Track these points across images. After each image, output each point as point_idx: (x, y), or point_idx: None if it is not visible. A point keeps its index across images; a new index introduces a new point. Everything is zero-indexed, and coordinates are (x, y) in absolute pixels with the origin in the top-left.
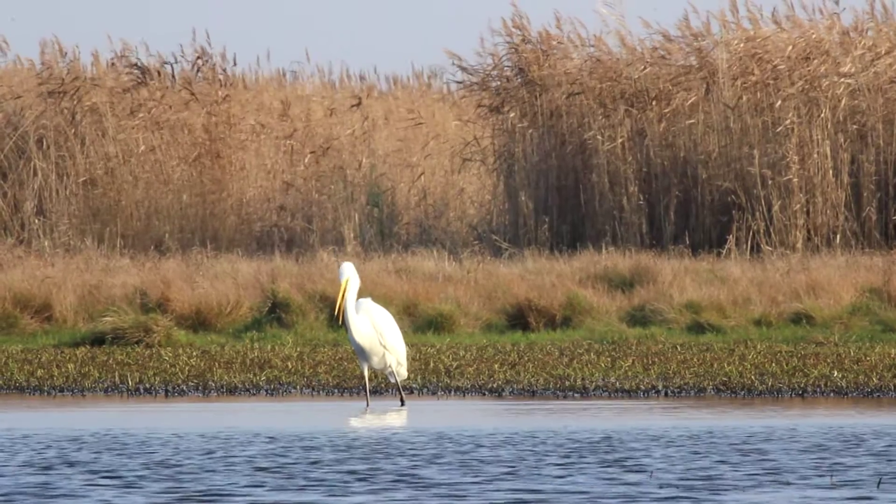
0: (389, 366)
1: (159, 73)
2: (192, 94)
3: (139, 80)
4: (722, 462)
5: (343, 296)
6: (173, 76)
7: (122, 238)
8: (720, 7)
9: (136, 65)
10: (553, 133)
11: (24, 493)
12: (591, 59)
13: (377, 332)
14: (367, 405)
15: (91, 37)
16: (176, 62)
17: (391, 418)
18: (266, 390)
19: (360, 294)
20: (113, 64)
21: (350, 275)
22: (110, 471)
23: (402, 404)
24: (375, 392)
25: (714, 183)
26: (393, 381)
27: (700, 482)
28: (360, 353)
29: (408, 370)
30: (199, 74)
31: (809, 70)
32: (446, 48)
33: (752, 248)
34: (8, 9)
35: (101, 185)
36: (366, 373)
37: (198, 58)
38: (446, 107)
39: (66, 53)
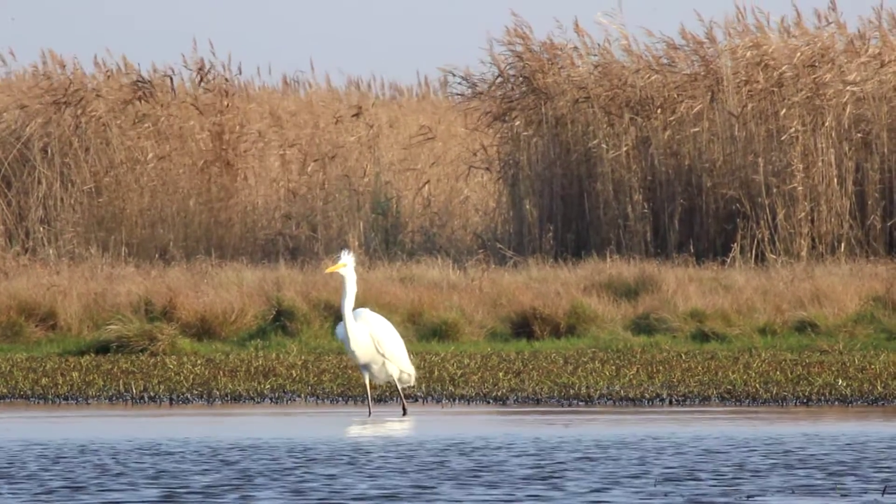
0: (391, 375)
1: (170, 81)
2: (195, 106)
3: (141, 93)
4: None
5: (335, 269)
6: (173, 89)
7: (127, 246)
8: (725, 15)
9: (137, 80)
10: (558, 141)
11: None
12: (596, 66)
13: (374, 340)
14: (370, 414)
15: (92, 46)
16: (175, 74)
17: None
18: (270, 398)
19: (365, 303)
20: (109, 77)
21: (349, 268)
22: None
23: (405, 413)
24: (380, 400)
25: (719, 191)
26: (398, 389)
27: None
28: (358, 361)
29: (415, 379)
30: (202, 85)
31: (814, 78)
32: (447, 61)
33: (756, 256)
34: (9, 9)
35: (106, 193)
36: (367, 381)
37: (199, 69)
38: (452, 115)
39: (65, 64)
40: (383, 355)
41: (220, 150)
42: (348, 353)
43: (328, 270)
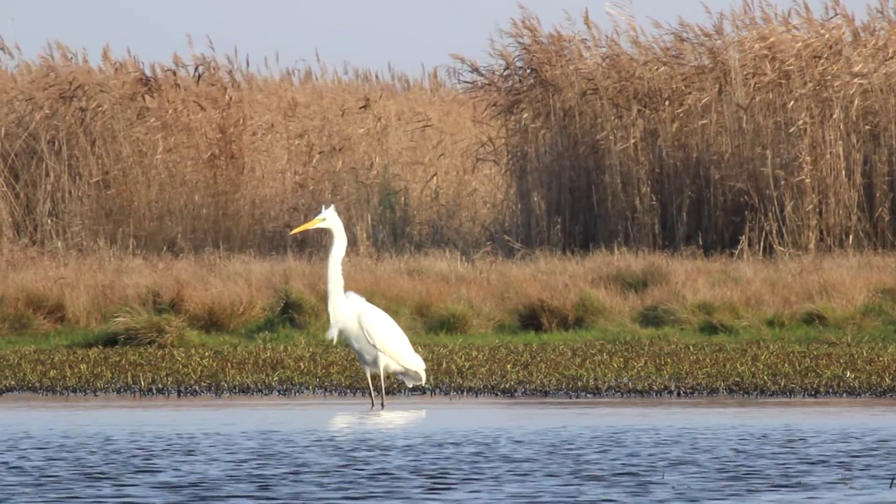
0: (387, 366)
1: (174, 74)
2: (197, 102)
3: (146, 88)
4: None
5: (309, 226)
6: (176, 84)
7: (135, 239)
8: (733, 7)
9: (140, 78)
10: (566, 133)
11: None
12: (604, 58)
13: (364, 330)
14: (372, 406)
15: (96, 39)
16: (180, 67)
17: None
18: (278, 391)
19: (373, 295)
20: (116, 70)
21: (332, 220)
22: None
23: (382, 406)
24: (388, 393)
25: (726, 183)
26: (409, 384)
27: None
28: (350, 345)
29: (424, 373)
30: (200, 82)
31: (821, 70)
32: (453, 52)
33: (764, 248)
34: (9, 9)
35: (114, 185)
36: (368, 374)
37: (197, 66)
38: (460, 107)
39: (71, 57)
40: (374, 346)
41: (226, 143)
42: (331, 330)
43: (300, 228)
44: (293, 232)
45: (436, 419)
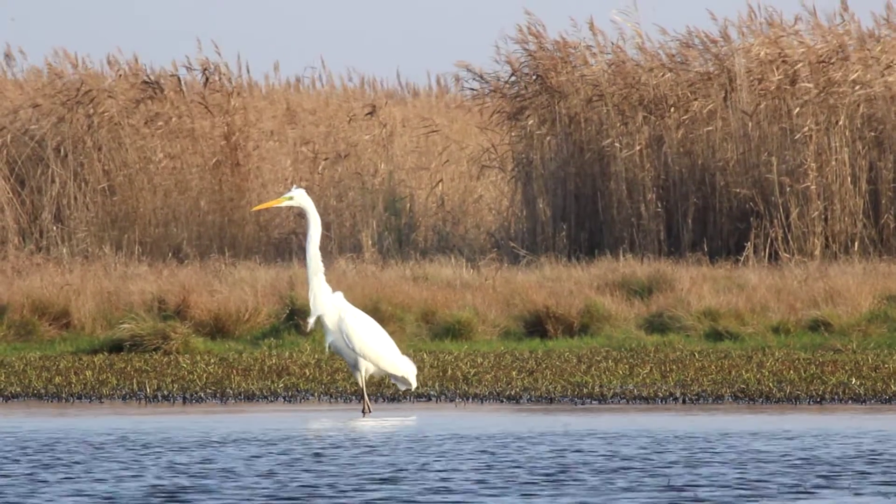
0: (367, 370)
1: (178, 81)
2: (204, 104)
3: (152, 93)
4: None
5: (275, 203)
6: (181, 89)
7: (141, 245)
8: (739, 13)
9: (146, 81)
10: (571, 140)
11: None
12: (609, 65)
13: (343, 333)
14: (367, 412)
15: (102, 46)
16: (189, 71)
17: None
18: (284, 397)
19: (378, 302)
20: (120, 77)
21: (301, 199)
22: None
23: (363, 413)
24: (393, 399)
25: (732, 190)
26: (402, 388)
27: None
28: (328, 341)
29: (413, 378)
30: (206, 86)
31: (827, 77)
32: (459, 59)
33: (770, 255)
34: (9, 9)
35: (120, 192)
36: (358, 379)
37: (204, 70)
38: (466, 113)
39: (77, 64)
40: (353, 349)
41: (230, 149)
42: (310, 314)
43: (265, 205)
44: (255, 209)
45: (408, 428)
